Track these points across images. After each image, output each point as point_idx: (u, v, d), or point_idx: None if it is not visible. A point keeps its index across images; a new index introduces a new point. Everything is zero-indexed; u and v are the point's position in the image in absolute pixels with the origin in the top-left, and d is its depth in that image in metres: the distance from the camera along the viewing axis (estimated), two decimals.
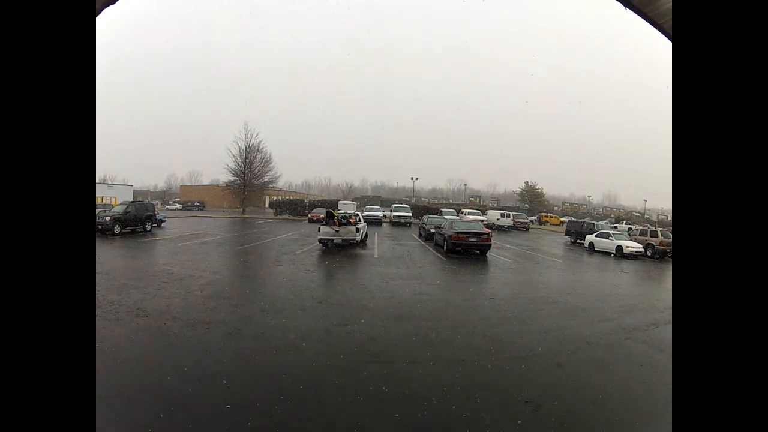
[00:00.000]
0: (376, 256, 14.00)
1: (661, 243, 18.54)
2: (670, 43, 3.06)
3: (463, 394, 4.03)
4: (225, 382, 4.07)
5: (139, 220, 19.67)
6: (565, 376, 4.63)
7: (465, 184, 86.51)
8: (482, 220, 28.62)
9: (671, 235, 18.68)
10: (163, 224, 23.53)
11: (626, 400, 4.11)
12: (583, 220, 31.24)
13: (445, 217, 23.20)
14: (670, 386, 1.81)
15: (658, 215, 70.96)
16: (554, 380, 4.51)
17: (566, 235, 26.08)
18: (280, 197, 51.69)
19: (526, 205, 64.11)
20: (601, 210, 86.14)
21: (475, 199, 77.55)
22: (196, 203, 52.45)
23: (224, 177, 45.30)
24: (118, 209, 19.32)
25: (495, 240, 17.14)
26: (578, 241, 23.23)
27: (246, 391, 3.90)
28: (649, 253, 18.65)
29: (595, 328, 6.66)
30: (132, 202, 21.30)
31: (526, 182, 66.87)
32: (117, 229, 17.95)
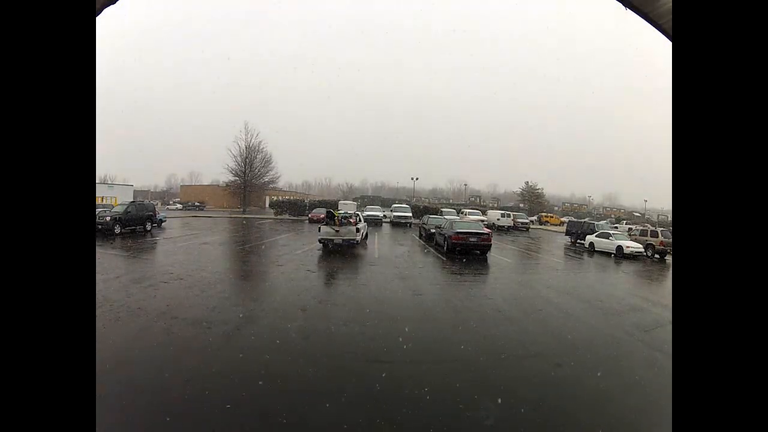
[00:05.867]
0: (376, 256, 14.00)
1: (661, 243, 18.53)
2: (670, 43, 3.06)
3: (463, 393, 4.03)
4: (225, 381, 4.08)
5: (139, 220, 19.67)
6: (565, 376, 4.63)
7: (465, 185, 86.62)
8: (482, 220, 28.60)
9: (671, 235, 18.68)
10: (163, 224, 23.51)
11: (626, 399, 4.11)
12: (583, 220, 31.26)
13: (446, 217, 23.14)
14: (669, 386, 1.81)
15: (658, 215, 70.99)
16: (554, 380, 4.51)
17: (566, 235, 26.06)
18: (280, 197, 51.72)
19: (526, 205, 64.11)
20: (601, 210, 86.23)
21: (476, 200, 77.72)
22: (196, 203, 52.38)
23: (224, 177, 45.50)
24: (119, 209, 19.27)
25: (495, 240, 17.13)
26: (578, 241, 23.21)
27: (246, 391, 3.90)
28: (649, 253, 18.65)
29: (595, 328, 6.66)
30: (132, 202, 21.27)
31: (527, 182, 66.98)
32: (117, 229, 17.95)
